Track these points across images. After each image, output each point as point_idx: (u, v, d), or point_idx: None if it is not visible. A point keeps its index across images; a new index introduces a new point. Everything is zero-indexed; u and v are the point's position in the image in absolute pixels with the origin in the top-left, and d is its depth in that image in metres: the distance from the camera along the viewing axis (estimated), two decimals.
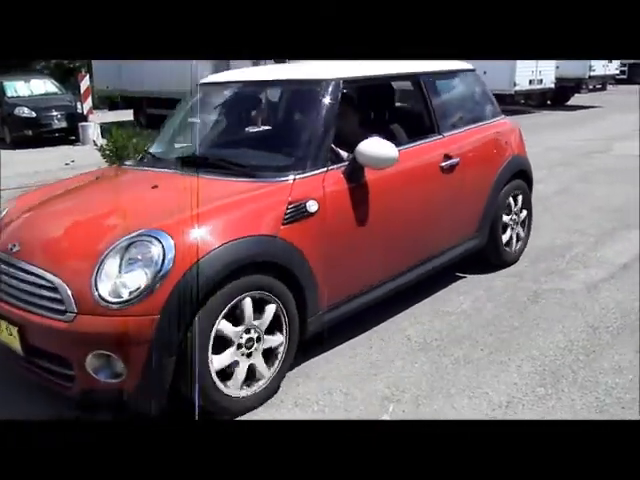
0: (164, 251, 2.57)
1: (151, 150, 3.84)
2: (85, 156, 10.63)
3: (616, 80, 20.94)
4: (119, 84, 15.53)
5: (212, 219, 2.78)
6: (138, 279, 2.57)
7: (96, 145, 9.27)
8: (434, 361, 3.36)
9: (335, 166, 3.19)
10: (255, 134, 3.65)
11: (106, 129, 10.99)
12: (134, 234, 2.65)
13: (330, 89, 3.29)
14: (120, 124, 10.68)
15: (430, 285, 4.15)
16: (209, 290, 2.63)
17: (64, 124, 13.61)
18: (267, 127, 3.78)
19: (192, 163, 3.32)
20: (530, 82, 16.43)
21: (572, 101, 18.58)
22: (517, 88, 15.99)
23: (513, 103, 15.99)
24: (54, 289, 2.66)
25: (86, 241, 2.79)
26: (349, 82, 3.40)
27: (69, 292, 2.61)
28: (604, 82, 19.74)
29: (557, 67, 16.87)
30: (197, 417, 2.72)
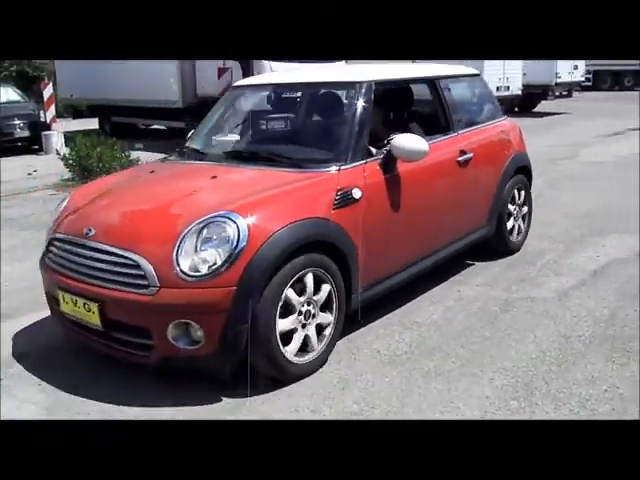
0: (238, 230, 3.07)
1: (193, 146, 4.35)
2: (48, 165, 10.85)
3: (582, 87, 22.11)
4: (84, 92, 15.73)
5: (275, 203, 3.30)
6: (216, 255, 3.05)
7: (59, 154, 9.57)
8: (404, 375, 3.39)
9: (371, 158, 3.74)
10: (295, 131, 4.18)
11: (70, 138, 11.22)
12: (209, 216, 3.14)
13: (364, 90, 3.85)
14: (85, 132, 10.89)
15: (399, 295, 4.24)
16: (278, 264, 3.13)
17: (27, 133, 13.70)
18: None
19: (243, 156, 3.84)
20: (497, 89, 16.99)
21: (539, 108, 19.53)
22: None
23: None
24: (136, 266, 3.11)
25: (163, 224, 3.27)
26: (378, 84, 3.97)
27: (151, 268, 3.07)
28: (570, 89, 20.76)
29: (524, 74, 17.77)
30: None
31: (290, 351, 3.31)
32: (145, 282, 3.08)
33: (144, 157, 10.06)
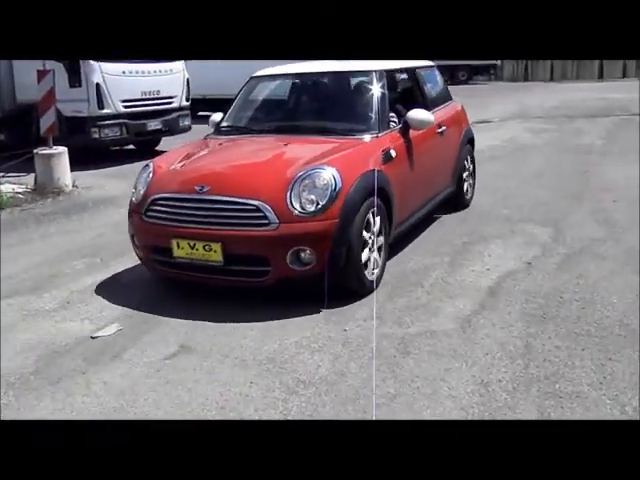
0: (334, 178, 4.64)
1: (236, 124, 6.04)
2: None
3: None
4: None
5: (349, 159, 4.95)
6: (321, 196, 4.60)
7: None
8: None
9: (394, 127, 5.51)
10: (327, 108, 5.87)
11: None
12: (309, 168, 4.69)
13: (381, 76, 5.64)
14: None
15: (273, 338, 4.30)
16: (360, 203, 4.75)
17: None
18: None
19: (294, 128, 5.48)
20: None
21: None
22: None
23: None
24: (256, 209, 4.56)
25: (271, 177, 4.74)
26: (386, 72, 5.77)
27: (270, 209, 4.55)
28: None
29: None
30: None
31: (368, 272, 4.93)
32: (266, 221, 4.54)
33: None
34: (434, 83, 7.04)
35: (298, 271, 4.65)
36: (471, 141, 7.53)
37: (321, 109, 5.92)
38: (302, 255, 4.63)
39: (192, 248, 4.74)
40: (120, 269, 5.79)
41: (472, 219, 6.92)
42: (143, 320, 4.71)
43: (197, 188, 4.80)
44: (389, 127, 5.52)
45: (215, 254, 4.67)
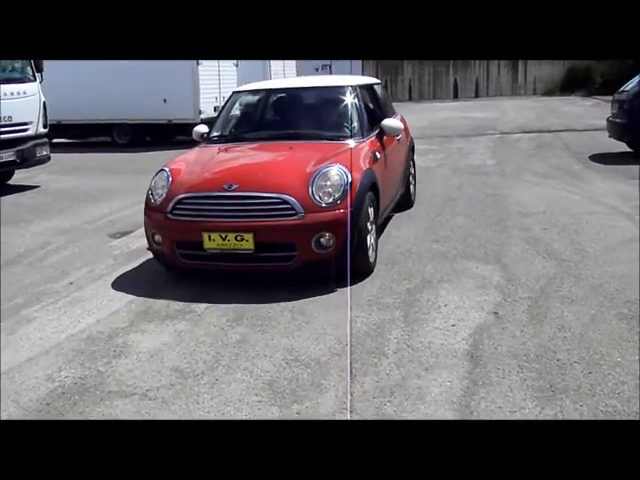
0: (345, 174, 5.94)
1: (226, 133, 7.40)
2: None
3: None
4: None
5: (350, 160, 6.32)
6: (336, 190, 5.89)
7: None
8: None
9: (372, 134, 6.97)
10: (313, 117, 7.22)
11: None
12: (323, 166, 5.95)
13: (357, 90, 7.11)
14: None
15: None
16: (365, 196, 6.11)
17: None
18: None
19: (288, 135, 6.85)
20: (215, 109, 18.00)
21: None
22: (203, 116, 18.02)
23: None
24: (284, 202, 5.74)
25: (291, 174, 5.95)
26: (359, 86, 7.25)
27: (296, 202, 5.76)
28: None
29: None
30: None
31: (371, 255, 6.28)
32: (293, 212, 5.73)
33: None
34: (384, 97, 8.67)
35: (320, 254, 5.87)
36: (413, 148, 9.25)
37: (308, 118, 7.29)
38: (322, 240, 5.83)
39: (224, 239, 5.82)
40: None
41: (404, 256, 6.85)
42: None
43: (225, 186, 5.94)
44: (370, 133, 6.96)
45: (247, 243, 5.78)
